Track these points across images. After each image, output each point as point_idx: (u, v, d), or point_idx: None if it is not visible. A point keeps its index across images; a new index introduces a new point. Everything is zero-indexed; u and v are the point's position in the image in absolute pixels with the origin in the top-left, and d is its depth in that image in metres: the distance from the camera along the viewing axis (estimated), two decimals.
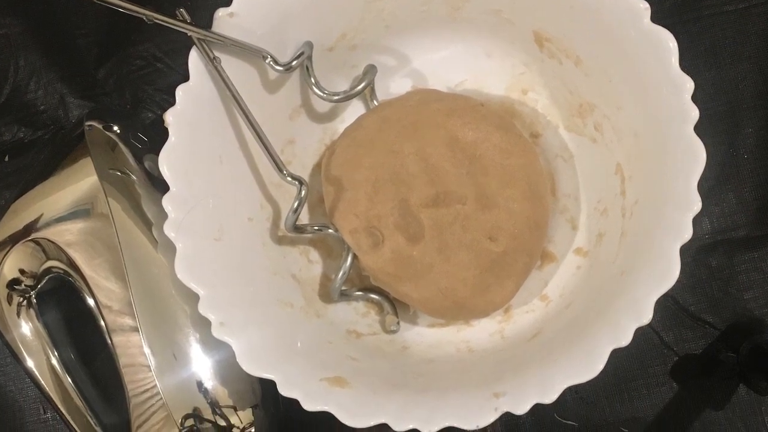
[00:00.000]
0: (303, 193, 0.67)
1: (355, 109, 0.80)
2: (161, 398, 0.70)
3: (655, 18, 0.64)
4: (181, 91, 0.66)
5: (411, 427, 0.61)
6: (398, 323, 0.76)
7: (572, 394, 0.80)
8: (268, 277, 0.72)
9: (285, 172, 0.66)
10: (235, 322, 0.64)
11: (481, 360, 0.72)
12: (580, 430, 0.80)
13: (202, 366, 0.71)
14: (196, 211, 0.66)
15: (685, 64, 0.63)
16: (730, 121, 0.81)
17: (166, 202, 0.65)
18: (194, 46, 0.66)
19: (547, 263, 0.76)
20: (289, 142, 0.77)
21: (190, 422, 0.71)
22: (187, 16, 0.66)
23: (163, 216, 0.65)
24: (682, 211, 0.61)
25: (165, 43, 0.86)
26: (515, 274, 0.72)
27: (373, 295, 0.76)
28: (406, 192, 0.70)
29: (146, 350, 0.70)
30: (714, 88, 0.81)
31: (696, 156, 0.61)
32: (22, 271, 0.74)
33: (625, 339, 0.60)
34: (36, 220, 0.73)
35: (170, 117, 0.65)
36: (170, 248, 0.64)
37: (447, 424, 0.61)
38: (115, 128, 0.75)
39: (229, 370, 0.71)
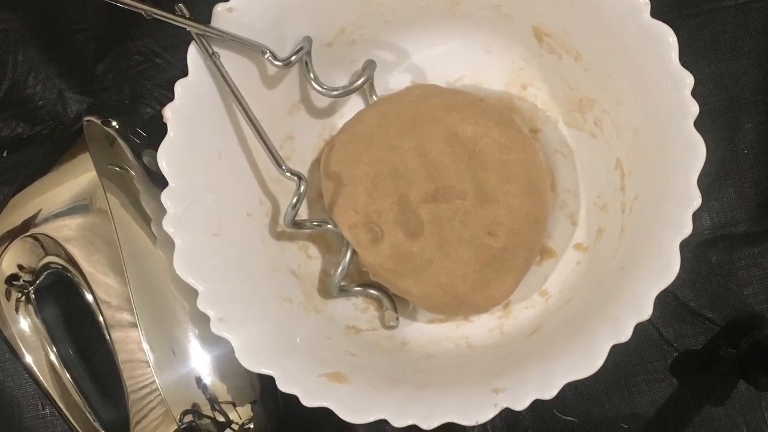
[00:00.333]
0: (302, 188, 0.67)
1: (354, 105, 0.80)
2: (160, 394, 0.70)
3: (655, 13, 0.63)
4: (179, 87, 0.66)
5: (410, 422, 0.61)
6: (397, 319, 0.76)
7: (572, 389, 0.80)
8: (267, 273, 0.72)
9: (284, 167, 0.66)
10: (234, 317, 0.64)
11: (480, 356, 0.72)
12: (580, 426, 0.80)
13: (200, 362, 0.71)
14: (195, 206, 0.66)
15: (685, 60, 0.62)
16: (730, 116, 0.81)
17: (165, 197, 0.65)
18: (193, 42, 0.66)
19: (547, 259, 0.76)
20: (288, 138, 0.77)
21: (188, 418, 0.71)
22: (185, 12, 0.66)
23: (162, 211, 0.65)
24: (681, 207, 0.61)
25: (164, 39, 0.86)
26: (515, 270, 0.72)
27: (372, 291, 0.76)
28: (406, 187, 0.70)
29: (145, 346, 0.70)
30: (714, 83, 0.81)
31: (696, 151, 0.61)
32: (20, 267, 0.74)
33: (624, 335, 0.60)
34: (34, 216, 0.73)
35: (169, 112, 0.65)
36: (169, 244, 0.64)
37: (446, 420, 0.61)
38: (114, 123, 0.75)
39: (228, 365, 0.71)
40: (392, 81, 0.80)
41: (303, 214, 0.77)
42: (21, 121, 0.87)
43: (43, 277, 0.74)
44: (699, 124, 0.62)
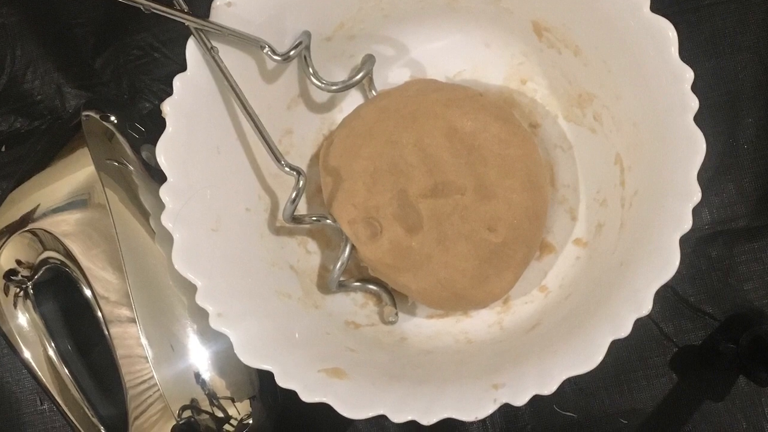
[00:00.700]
0: (301, 183, 0.67)
1: (353, 99, 0.80)
2: (158, 389, 0.70)
3: (655, 8, 0.63)
4: (178, 81, 0.66)
5: (409, 418, 0.61)
6: (397, 314, 0.76)
7: (571, 385, 0.80)
8: (266, 268, 0.72)
9: (283, 162, 0.66)
10: (233, 313, 0.64)
11: (479, 351, 0.72)
12: (580, 422, 0.80)
13: (199, 357, 0.71)
14: (194, 201, 0.66)
15: (685, 54, 0.62)
16: (730, 111, 0.81)
17: (164, 192, 0.65)
18: (192, 36, 0.66)
19: (546, 254, 0.76)
20: (287, 132, 0.76)
21: (187, 413, 0.71)
22: (184, 6, 0.66)
23: (161, 206, 0.65)
24: (681, 202, 0.61)
25: (162, 33, 0.85)
26: (514, 265, 0.72)
27: (371, 286, 0.76)
28: (405, 182, 0.70)
29: (143, 341, 0.70)
30: (714, 78, 0.81)
31: (696, 146, 0.61)
32: (18, 262, 0.74)
33: (624, 330, 0.60)
34: (33, 211, 0.73)
35: (167, 107, 0.65)
36: (168, 239, 0.64)
37: (446, 415, 0.61)
38: (113, 118, 0.75)
39: (227, 361, 0.71)
40: (391, 76, 0.80)
41: (302, 209, 0.77)
42: (19, 116, 0.86)
43: (41, 272, 0.74)
44: (699, 118, 0.61)
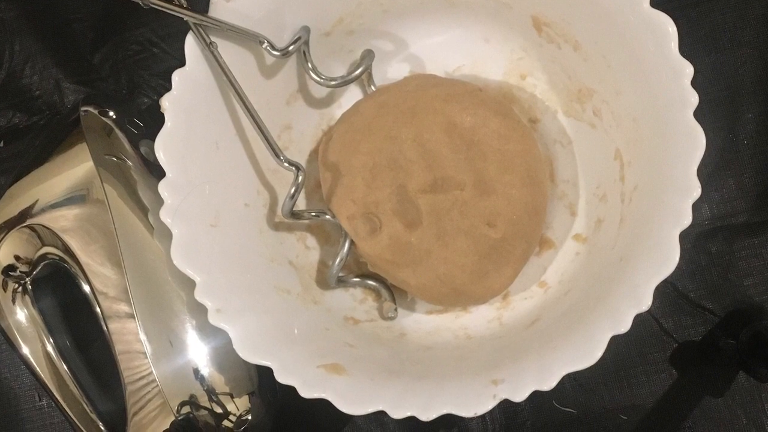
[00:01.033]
0: (300, 179, 0.67)
1: (352, 95, 0.80)
2: (157, 385, 0.70)
3: (655, 2, 0.63)
4: (177, 77, 0.66)
5: (408, 414, 0.61)
6: (396, 310, 0.75)
7: (571, 381, 0.80)
8: (265, 264, 0.72)
9: (282, 157, 0.66)
10: (232, 308, 0.64)
11: (479, 347, 0.72)
12: (579, 418, 0.80)
13: (198, 353, 0.71)
14: (193, 197, 0.66)
15: (685, 49, 0.62)
16: (730, 106, 0.81)
17: (163, 187, 0.65)
18: (190, 31, 0.66)
19: (546, 249, 0.76)
20: (286, 128, 0.76)
21: (186, 409, 0.71)
22: (183, 1, 0.66)
23: (160, 202, 0.65)
24: (681, 197, 0.61)
25: (161, 28, 0.85)
26: (514, 261, 0.72)
27: (370, 282, 0.76)
28: (404, 178, 0.70)
29: (142, 337, 0.70)
30: (714, 73, 0.81)
31: (695, 141, 0.61)
32: (17, 258, 0.74)
33: (624, 326, 0.60)
34: (31, 206, 0.73)
35: (166, 102, 0.65)
36: (166, 234, 0.64)
37: (445, 411, 0.61)
38: (111, 114, 0.75)
39: (226, 357, 0.71)
40: (390, 71, 0.80)
41: (301, 204, 0.77)
42: (18, 111, 0.86)
43: (40, 267, 0.74)
44: (699, 114, 0.61)
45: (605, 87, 0.71)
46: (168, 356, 0.70)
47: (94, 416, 0.75)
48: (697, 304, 0.79)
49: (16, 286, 0.75)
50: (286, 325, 0.67)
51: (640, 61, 0.65)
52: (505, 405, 0.60)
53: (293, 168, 0.66)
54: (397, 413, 0.61)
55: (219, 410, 0.71)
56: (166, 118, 0.65)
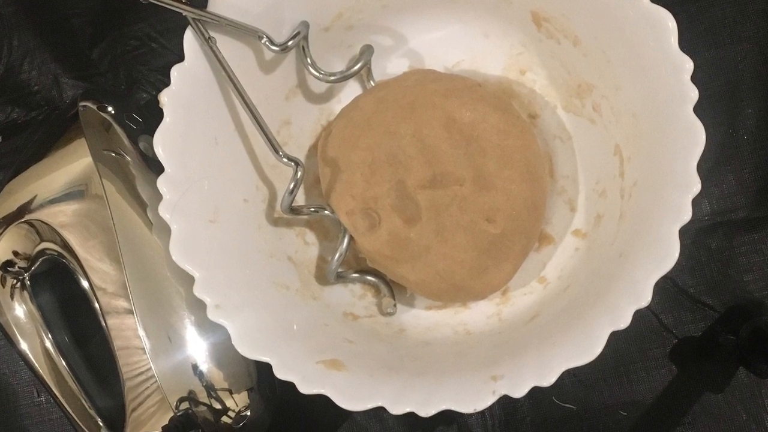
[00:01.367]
0: (299, 174, 0.67)
1: (351, 90, 0.80)
2: (156, 381, 0.70)
3: None
4: (176, 72, 0.66)
5: (408, 410, 0.61)
6: (395, 306, 0.75)
7: (570, 377, 0.80)
8: (264, 259, 0.72)
9: (281, 153, 0.66)
10: (231, 304, 0.64)
11: (478, 343, 0.72)
12: (579, 414, 0.80)
13: (197, 349, 0.71)
14: (191, 192, 0.66)
15: (685, 45, 0.62)
16: (730, 101, 0.81)
17: (161, 183, 0.64)
18: (189, 26, 0.66)
19: (545, 245, 0.76)
20: (285, 123, 0.76)
21: (185, 405, 0.71)
22: None
23: (158, 197, 0.64)
24: (681, 193, 0.61)
25: (160, 23, 0.85)
26: (513, 256, 0.72)
27: (369, 278, 0.76)
28: (403, 173, 0.70)
29: (141, 333, 0.70)
30: (713, 68, 0.81)
31: (695, 137, 0.61)
32: (15, 253, 0.74)
33: (623, 321, 0.60)
34: (30, 202, 0.73)
35: (165, 97, 0.65)
36: (165, 230, 0.64)
37: (444, 407, 0.60)
38: (110, 109, 0.75)
39: (225, 352, 0.71)
40: (390, 66, 0.79)
41: (300, 200, 0.77)
42: (16, 107, 0.86)
43: (38, 263, 0.74)
44: (698, 109, 0.61)
45: (605, 82, 0.71)
46: (167, 352, 0.70)
47: (92, 412, 0.75)
48: (696, 300, 0.79)
49: (15, 281, 0.75)
50: (285, 321, 0.67)
51: (640, 56, 0.65)
52: (505, 401, 0.60)
53: (292, 163, 0.66)
54: (396, 409, 0.61)
55: (218, 406, 0.71)
56: (164, 114, 0.65)
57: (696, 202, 0.60)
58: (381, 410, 0.61)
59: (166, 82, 0.65)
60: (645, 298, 0.60)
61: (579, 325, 0.62)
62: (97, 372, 0.77)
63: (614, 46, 0.68)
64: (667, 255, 0.60)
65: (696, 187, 0.60)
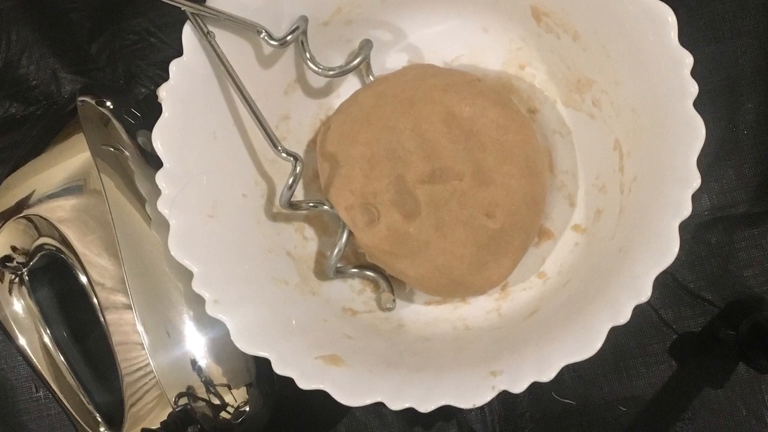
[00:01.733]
0: (298, 169, 0.66)
1: (350, 85, 0.80)
2: (154, 376, 0.70)
3: None
4: (174, 66, 0.66)
5: (407, 406, 0.61)
6: (394, 301, 0.75)
7: (570, 372, 0.80)
8: (262, 254, 0.71)
9: (280, 148, 0.66)
10: (230, 299, 0.64)
11: (477, 338, 0.72)
12: (579, 409, 0.80)
13: (195, 344, 0.71)
14: (190, 187, 0.65)
15: (684, 39, 0.62)
16: (730, 96, 0.81)
17: (160, 178, 0.64)
18: (188, 21, 0.66)
19: (545, 240, 0.76)
20: (284, 118, 0.76)
21: (183, 401, 0.70)
22: None
23: (157, 192, 0.64)
24: (681, 188, 0.61)
25: (158, 18, 0.85)
26: (512, 251, 0.71)
27: (368, 273, 0.76)
28: (402, 168, 0.70)
29: (139, 328, 0.70)
30: (713, 63, 0.81)
31: (695, 132, 0.61)
32: (14, 248, 0.74)
33: (623, 317, 0.60)
34: (28, 197, 0.73)
35: (164, 92, 0.65)
36: (164, 225, 0.64)
37: (443, 402, 0.60)
38: (108, 104, 0.75)
39: (224, 348, 0.71)
40: (389, 61, 0.79)
41: (299, 195, 0.77)
42: (14, 101, 0.86)
43: (36, 258, 0.74)
44: (698, 104, 0.61)
45: (604, 77, 0.71)
46: (165, 347, 0.70)
47: (91, 407, 0.75)
48: (696, 295, 0.79)
49: (13, 276, 0.75)
50: (283, 316, 0.67)
51: (640, 51, 0.65)
52: (504, 396, 0.60)
53: (291, 158, 0.66)
54: (395, 405, 0.61)
55: (216, 401, 0.71)
56: (163, 108, 0.65)
57: (696, 197, 0.60)
58: (380, 406, 0.61)
59: (165, 77, 0.65)
60: (645, 294, 0.60)
61: (578, 320, 0.62)
62: (96, 367, 0.77)
63: (614, 41, 0.68)
64: (667, 250, 0.60)
65: (696, 182, 0.60)
